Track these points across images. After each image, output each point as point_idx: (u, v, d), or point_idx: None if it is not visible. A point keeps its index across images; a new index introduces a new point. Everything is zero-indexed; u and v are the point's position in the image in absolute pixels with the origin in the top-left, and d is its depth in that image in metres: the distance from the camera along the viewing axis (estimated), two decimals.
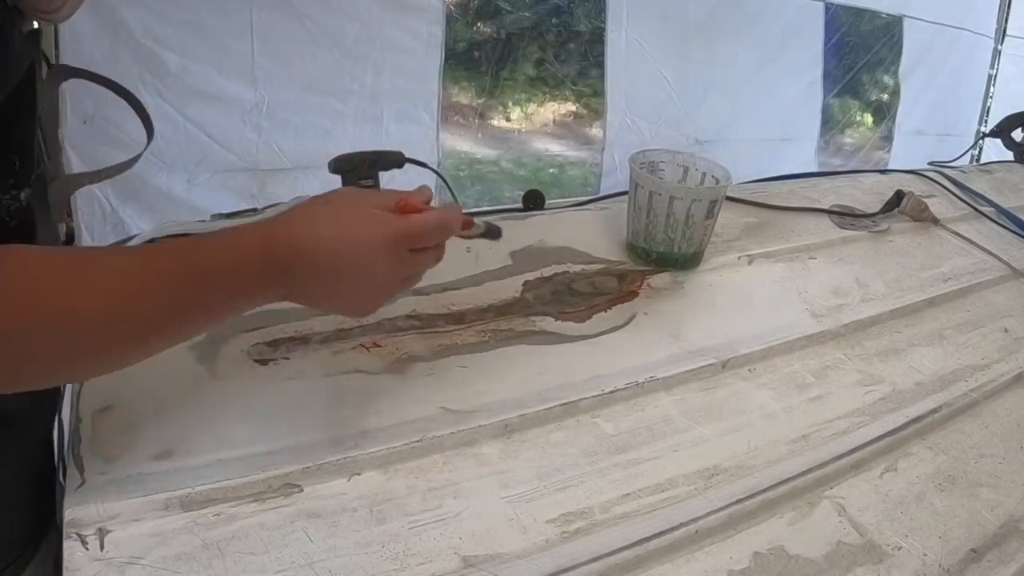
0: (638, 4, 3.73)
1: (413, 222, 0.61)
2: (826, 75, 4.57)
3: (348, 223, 0.59)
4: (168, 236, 0.97)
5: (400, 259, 0.61)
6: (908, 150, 4.88)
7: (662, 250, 1.06)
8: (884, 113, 5.11)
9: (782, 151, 4.35)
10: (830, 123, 4.80)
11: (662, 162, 1.13)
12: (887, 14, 4.76)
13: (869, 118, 5.17)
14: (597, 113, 3.96)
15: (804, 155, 4.59)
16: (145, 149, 0.88)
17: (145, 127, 0.86)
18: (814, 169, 4.46)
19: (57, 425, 0.72)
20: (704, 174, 1.11)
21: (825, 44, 4.46)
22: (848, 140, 5.09)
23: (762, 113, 4.24)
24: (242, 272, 0.55)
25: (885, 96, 5.07)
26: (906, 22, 4.77)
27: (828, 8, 4.39)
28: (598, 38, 3.79)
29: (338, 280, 0.59)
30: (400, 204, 0.62)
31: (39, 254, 0.49)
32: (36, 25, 0.62)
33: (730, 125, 4.10)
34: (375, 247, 0.59)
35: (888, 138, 5.12)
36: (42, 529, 0.67)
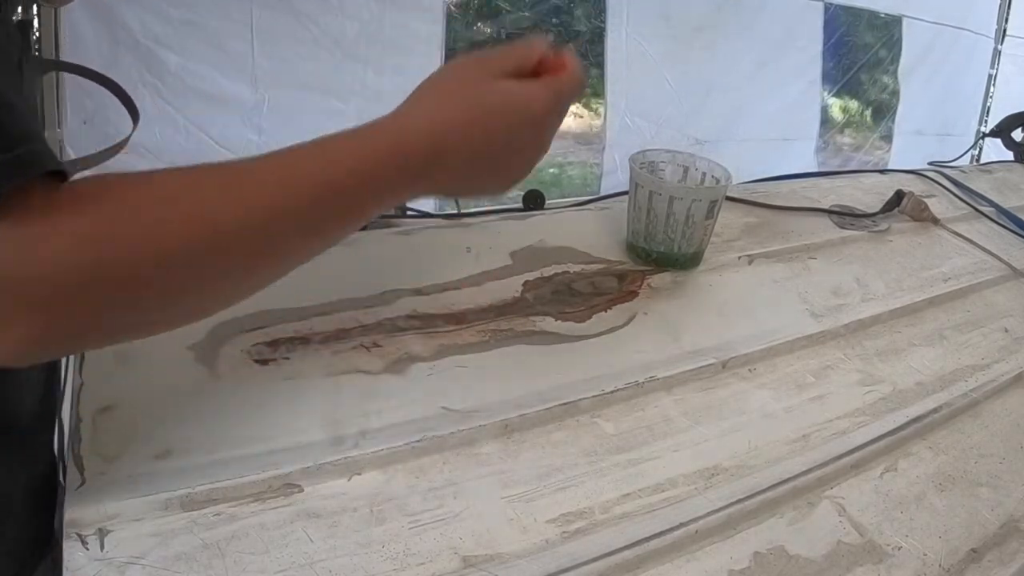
0: (638, 4, 3.73)
1: (569, 80, 0.58)
2: (825, 75, 4.58)
3: (488, 103, 0.55)
4: None
5: (556, 124, 0.58)
6: (908, 150, 4.88)
7: (662, 250, 1.06)
8: (884, 113, 5.12)
9: (782, 151, 4.36)
10: (829, 123, 4.80)
11: (662, 162, 1.13)
12: (886, 14, 4.76)
13: (869, 118, 5.17)
14: (597, 113, 3.96)
15: (804, 155, 4.59)
16: (132, 132, 0.86)
17: (130, 112, 0.85)
18: (814, 169, 4.47)
19: (57, 425, 0.72)
20: (704, 174, 1.11)
21: (824, 44, 4.47)
22: (848, 140, 5.09)
23: (762, 113, 4.24)
24: (380, 179, 0.53)
25: (885, 96, 5.07)
26: (905, 22, 4.77)
27: (828, 8, 4.39)
28: (598, 38, 3.79)
29: (493, 166, 0.56)
30: (537, 68, 0.58)
31: (178, 174, 0.47)
32: (35, 11, 0.62)
33: (730, 125, 4.10)
34: (533, 117, 0.56)
35: (888, 138, 5.13)
36: (46, 539, 0.67)
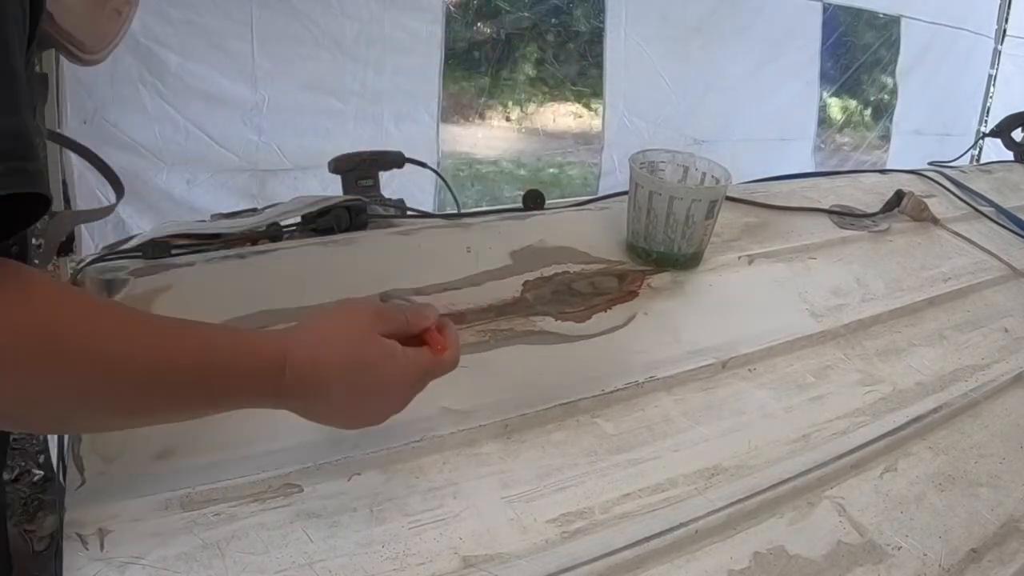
0: (637, 4, 3.73)
1: (433, 360, 0.63)
2: (823, 75, 4.57)
3: (368, 354, 0.58)
4: (168, 236, 0.97)
5: (419, 389, 0.63)
6: (906, 150, 4.88)
7: (662, 250, 1.06)
8: (882, 113, 5.12)
9: (779, 151, 4.35)
10: (827, 123, 4.80)
11: (662, 162, 1.13)
12: (885, 14, 4.76)
13: (867, 118, 5.17)
14: (596, 113, 3.96)
15: (801, 155, 4.59)
16: (116, 204, 0.89)
17: (113, 187, 0.88)
18: (811, 169, 4.47)
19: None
20: (704, 174, 1.11)
21: (823, 44, 4.46)
22: (845, 140, 5.09)
23: (760, 113, 4.24)
24: (255, 383, 0.55)
25: (883, 96, 5.07)
26: (904, 22, 4.77)
27: (826, 8, 4.39)
28: (597, 38, 3.79)
29: (352, 405, 0.59)
30: (423, 338, 0.64)
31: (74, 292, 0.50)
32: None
33: (728, 125, 4.10)
34: (401, 383, 0.61)
35: (886, 138, 5.13)
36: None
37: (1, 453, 0.68)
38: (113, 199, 0.95)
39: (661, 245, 1.06)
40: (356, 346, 0.58)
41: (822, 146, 4.77)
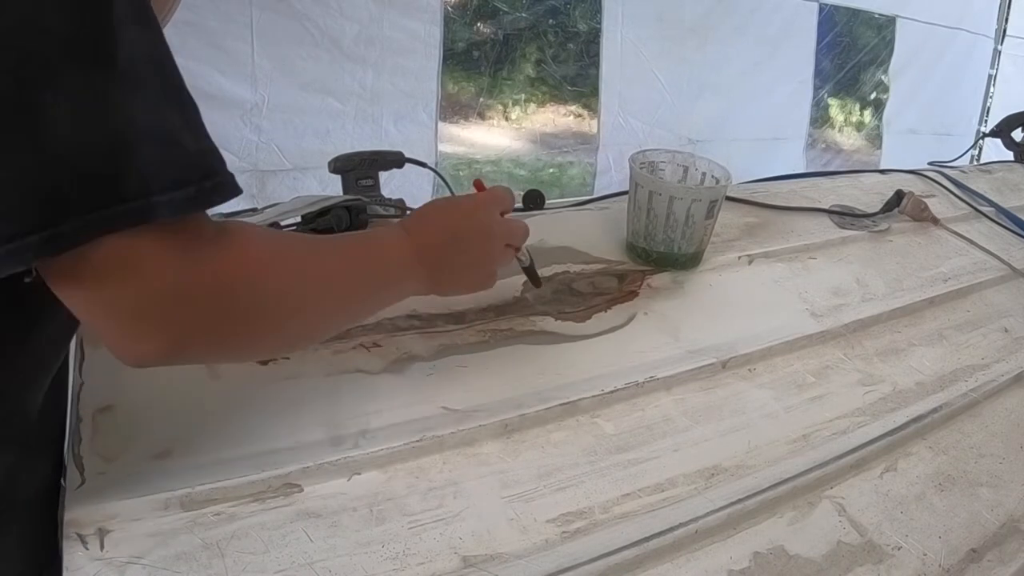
0: (634, 5, 3.74)
1: (493, 191, 0.79)
2: (817, 74, 4.59)
3: (455, 199, 0.77)
4: None
5: (494, 215, 0.76)
6: (901, 149, 4.88)
7: (662, 250, 1.06)
8: (875, 112, 5.13)
9: (772, 150, 4.37)
10: (819, 122, 4.81)
11: (662, 162, 1.13)
12: (881, 14, 4.77)
13: (860, 117, 5.18)
14: (594, 112, 3.97)
15: (793, 154, 4.60)
16: None
17: None
18: (802, 167, 4.48)
19: (63, 436, 0.72)
20: (704, 174, 1.11)
21: (818, 44, 4.48)
22: (837, 139, 5.10)
23: (754, 113, 4.26)
24: (402, 266, 0.69)
25: (876, 95, 5.08)
26: (899, 22, 4.78)
27: (822, 8, 4.40)
28: (594, 39, 3.80)
29: (456, 239, 0.72)
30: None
31: (264, 234, 0.62)
32: None
33: (722, 125, 4.11)
34: (475, 202, 0.75)
35: (879, 137, 5.13)
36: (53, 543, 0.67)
37: (57, 456, 0.68)
38: None
39: (661, 245, 1.06)
40: (444, 207, 0.75)
41: (813, 144, 4.78)
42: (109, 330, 0.49)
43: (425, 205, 0.75)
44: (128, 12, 0.45)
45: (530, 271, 0.89)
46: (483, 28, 3.75)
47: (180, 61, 0.49)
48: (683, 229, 1.03)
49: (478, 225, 0.74)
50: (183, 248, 0.48)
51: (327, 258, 0.62)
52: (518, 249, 0.81)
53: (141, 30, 0.47)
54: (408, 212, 1.22)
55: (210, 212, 0.50)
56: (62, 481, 0.66)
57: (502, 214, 0.77)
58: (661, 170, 1.13)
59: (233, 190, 0.50)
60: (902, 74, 4.95)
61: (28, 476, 0.63)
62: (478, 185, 0.81)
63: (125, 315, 0.48)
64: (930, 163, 1.73)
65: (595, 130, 3.97)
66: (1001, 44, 5.26)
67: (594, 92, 3.91)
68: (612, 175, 3.87)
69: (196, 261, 0.49)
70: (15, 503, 0.62)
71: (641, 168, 1.08)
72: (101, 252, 0.45)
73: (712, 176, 1.10)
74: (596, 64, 3.83)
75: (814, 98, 4.64)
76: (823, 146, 4.92)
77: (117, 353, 0.50)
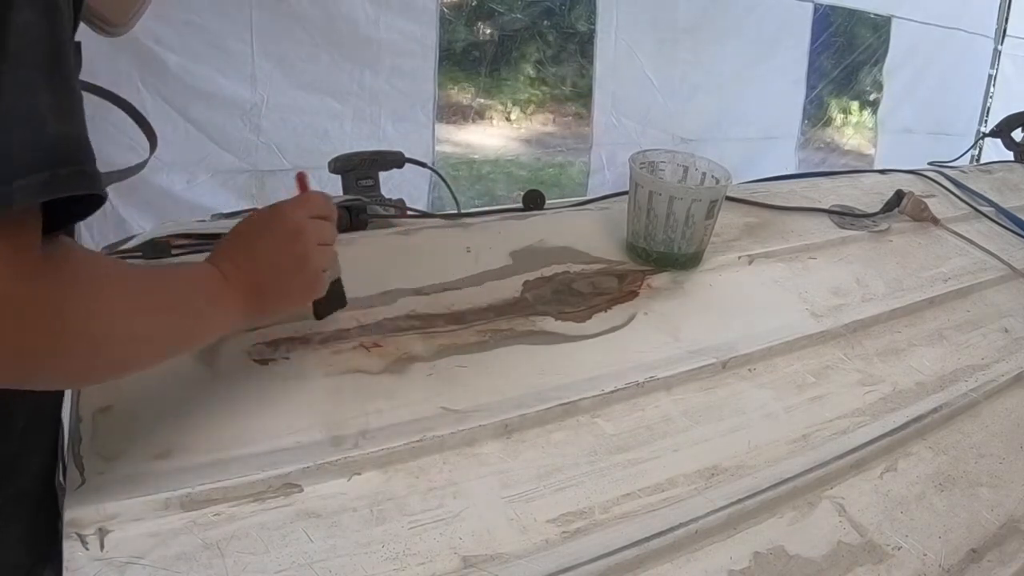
0: (628, 6, 3.75)
1: (298, 195, 0.74)
2: (811, 74, 4.59)
3: (253, 214, 0.72)
4: (168, 236, 0.97)
5: (298, 217, 0.70)
6: (896, 148, 4.88)
7: (662, 250, 1.06)
8: (869, 111, 5.13)
9: (765, 149, 4.38)
10: (812, 121, 4.82)
11: (662, 162, 1.13)
12: (876, 14, 4.77)
13: (853, 116, 5.19)
14: (589, 111, 3.98)
15: (785, 153, 4.61)
16: (150, 156, 0.90)
17: (148, 136, 0.89)
18: (795, 166, 4.49)
19: (58, 426, 0.72)
20: (704, 174, 1.11)
21: (812, 44, 4.48)
22: (832, 138, 5.11)
23: (746, 112, 4.26)
24: (213, 290, 0.64)
25: (871, 95, 5.08)
26: (895, 22, 4.78)
27: (817, 9, 4.41)
28: (588, 40, 3.82)
29: (264, 251, 0.68)
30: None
31: (91, 259, 0.56)
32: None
33: (715, 124, 4.12)
34: (273, 211, 0.71)
35: (873, 136, 5.14)
36: (48, 540, 0.67)
37: (52, 445, 0.68)
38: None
39: (661, 245, 1.06)
40: (242, 227, 0.70)
41: (807, 144, 4.79)
42: None
43: (229, 232, 0.70)
44: None
45: (335, 287, 0.80)
46: (479, 29, 3.76)
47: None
48: (683, 229, 1.03)
49: (283, 229, 0.69)
50: (17, 252, 0.45)
51: (145, 289, 0.58)
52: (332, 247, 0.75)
53: (35, 15, 0.45)
54: (409, 212, 1.22)
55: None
56: (61, 480, 0.66)
57: (315, 216, 0.72)
58: (661, 170, 1.13)
59: (92, 181, 0.47)
60: (897, 73, 4.95)
61: (26, 465, 0.63)
62: (300, 179, 0.76)
63: None
64: (930, 163, 1.73)
65: (589, 130, 3.98)
66: (1001, 44, 5.26)
67: (588, 92, 3.91)
68: (605, 174, 3.88)
69: (25, 273, 0.45)
70: (14, 492, 0.62)
71: (641, 168, 1.08)
72: None
73: (712, 176, 1.10)
74: (591, 65, 3.84)
75: (807, 97, 4.65)
76: (817, 145, 4.93)
77: None
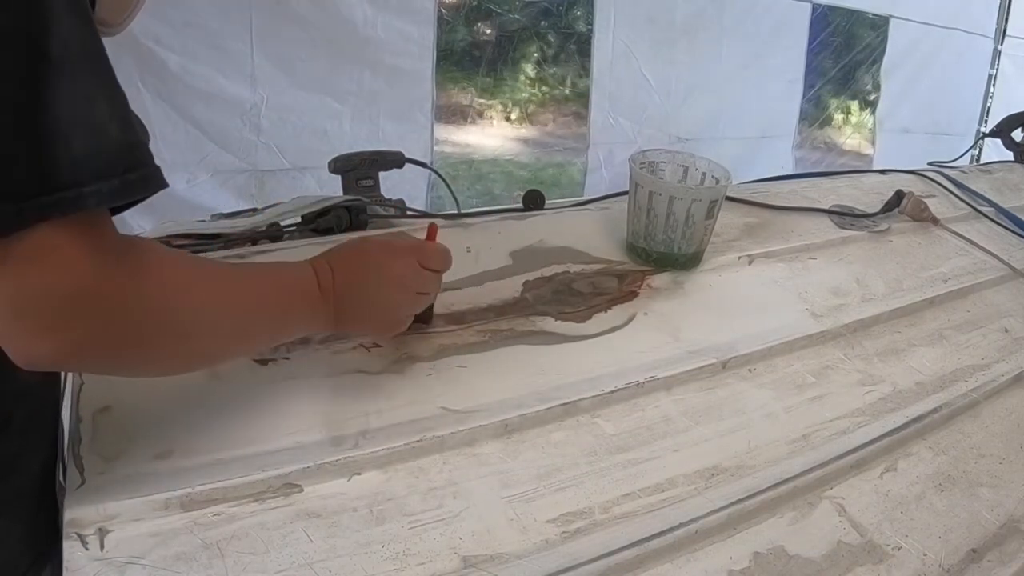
0: (625, 7, 3.76)
1: (424, 241, 0.77)
2: (808, 74, 4.59)
3: (373, 242, 0.75)
4: (168, 236, 0.97)
5: (411, 266, 0.73)
6: (894, 148, 4.88)
7: (662, 250, 1.06)
8: (867, 111, 5.13)
9: (762, 149, 4.38)
10: (808, 120, 4.82)
11: (662, 162, 1.13)
12: (874, 14, 4.77)
13: (851, 116, 5.19)
14: (587, 109, 3.99)
15: (782, 152, 4.61)
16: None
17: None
18: (792, 166, 4.49)
19: (58, 425, 0.72)
20: (704, 174, 1.11)
21: (809, 44, 4.48)
22: (829, 138, 5.11)
23: (743, 112, 4.27)
24: (305, 293, 0.68)
25: (868, 94, 5.09)
26: (893, 22, 4.78)
27: (815, 8, 4.41)
28: (585, 40, 3.82)
29: (365, 283, 0.71)
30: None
31: (174, 254, 0.62)
32: None
33: (712, 124, 4.13)
34: (392, 250, 0.73)
35: (871, 136, 5.14)
36: (49, 539, 0.67)
37: (52, 441, 0.69)
38: None
39: (661, 245, 1.06)
40: (359, 248, 0.73)
41: (803, 144, 4.79)
42: (5, 323, 0.48)
43: (344, 245, 0.73)
44: (64, 5, 0.46)
45: (427, 309, 0.85)
46: (477, 29, 3.77)
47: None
48: (683, 229, 1.03)
49: (389, 275, 0.72)
50: (96, 249, 0.48)
51: (231, 285, 0.62)
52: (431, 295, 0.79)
53: (76, 23, 0.47)
54: (409, 212, 1.22)
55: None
56: (61, 480, 0.66)
57: (431, 269, 0.75)
58: (661, 170, 1.13)
59: (158, 183, 0.51)
60: (895, 73, 4.95)
61: (26, 465, 0.63)
62: (431, 230, 0.80)
63: (30, 310, 0.47)
64: (930, 163, 1.73)
65: (586, 130, 3.98)
66: (1001, 44, 5.26)
67: (587, 92, 3.92)
68: (602, 173, 3.89)
69: (107, 266, 0.49)
70: (13, 492, 0.62)
71: (641, 168, 1.08)
72: (24, 242, 0.45)
73: (712, 176, 1.10)
74: (588, 65, 3.85)
75: (804, 97, 4.65)
76: (814, 145, 4.93)
77: (11, 349, 0.49)
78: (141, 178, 0.49)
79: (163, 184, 0.51)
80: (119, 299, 0.50)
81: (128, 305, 0.51)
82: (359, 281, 0.70)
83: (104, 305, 0.49)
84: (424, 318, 0.85)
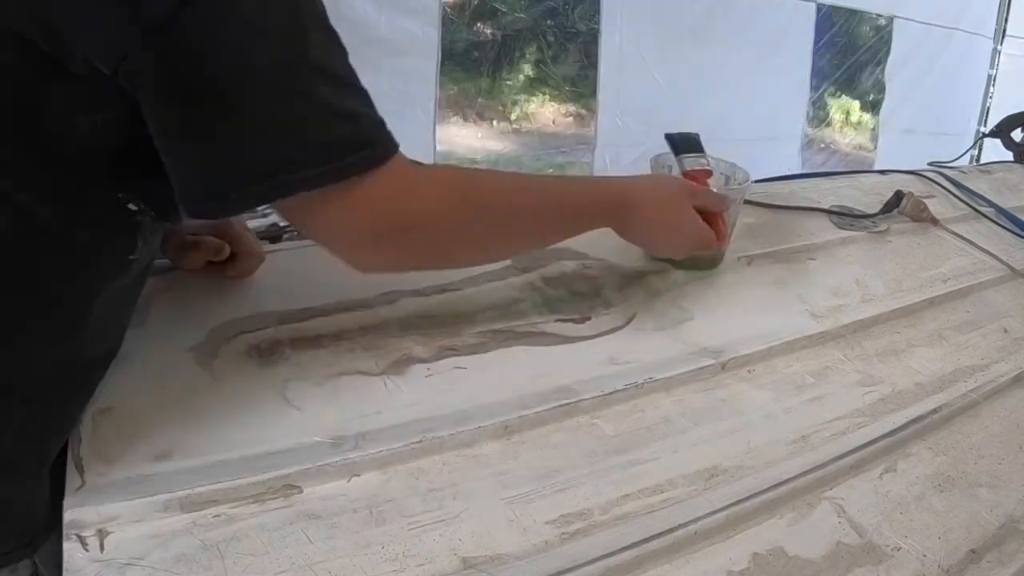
0: (632, 6, 3.75)
1: (700, 187, 0.98)
2: (814, 75, 4.59)
3: (659, 183, 0.98)
4: None
5: (690, 209, 0.92)
6: (898, 148, 4.89)
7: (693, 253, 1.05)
8: (871, 112, 5.14)
9: (768, 150, 4.37)
10: (815, 122, 4.82)
11: (671, 165, 1.13)
12: (878, 15, 4.77)
13: (855, 117, 5.19)
14: (592, 111, 3.98)
15: (789, 154, 4.61)
16: None
17: None
18: (799, 167, 4.49)
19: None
20: (727, 176, 1.11)
21: (815, 44, 4.48)
22: (834, 138, 5.11)
23: (750, 113, 4.26)
24: (603, 205, 0.88)
25: (872, 95, 5.09)
26: (896, 22, 4.78)
27: (820, 9, 4.41)
28: (593, 39, 3.81)
29: (652, 217, 0.90)
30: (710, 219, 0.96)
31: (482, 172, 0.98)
32: None
33: (719, 125, 4.11)
34: (676, 191, 0.93)
35: (875, 136, 5.14)
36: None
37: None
38: None
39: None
40: (666, 196, 0.93)
41: (810, 145, 4.79)
42: (350, 249, 0.69)
43: (646, 177, 0.97)
44: (313, 22, 0.61)
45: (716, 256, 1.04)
46: (481, 29, 3.76)
47: None
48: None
49: (674, 220, 0.91)
50: (408, 177, 0.68)
51: (519, 193, 0.80)
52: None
53: (326, 37, 0.62)
54: None
55: None
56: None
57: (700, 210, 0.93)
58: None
59: (395, 143, 0.66)
60: (899, 74, 4.95)
61: (26, 465, 0.63)
62: (715, 222, 0.96)
63: (357, 237, 0.68)
64: (930, 163, 1.73)
65: (593, 130, 3.97)
66: (1001, 44, 5.26)
67: (592, 93, 3.91)
68: (608, 174, 3.88)
69: (408, 191, 0.67)
70: (13, 492, 0.62)
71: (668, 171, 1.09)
72: (366, 184, 0.63)
73: (734, 177, 1.11)
74: (594, 65, 3.83)
75: (810, 98, 4.65)
76: (820, 146, 4.93)
77: (358, 266, 0.71)
78: (384, 144, 0.65)
79: (395, 145, 0.66)
80: (422, 213, 0.68)
81: (472, 198, 0.73)
82: (651, 216, 0.90)
83: (416, 221, 0.68)
84: (713, 263, 1.04)
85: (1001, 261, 1.31)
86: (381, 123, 0.65)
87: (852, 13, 4.64)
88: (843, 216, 1.34)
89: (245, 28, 0.55)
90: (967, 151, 2.18)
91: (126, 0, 0.51)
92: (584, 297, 0.99)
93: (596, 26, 3.76)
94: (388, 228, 0.67)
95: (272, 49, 0.57)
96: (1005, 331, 1.12)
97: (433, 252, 0.75)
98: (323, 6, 0.62)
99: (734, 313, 1.02)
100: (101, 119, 0.57)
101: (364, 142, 0.63)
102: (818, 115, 4.85)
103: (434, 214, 0.69)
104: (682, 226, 0.92)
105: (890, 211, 1.37)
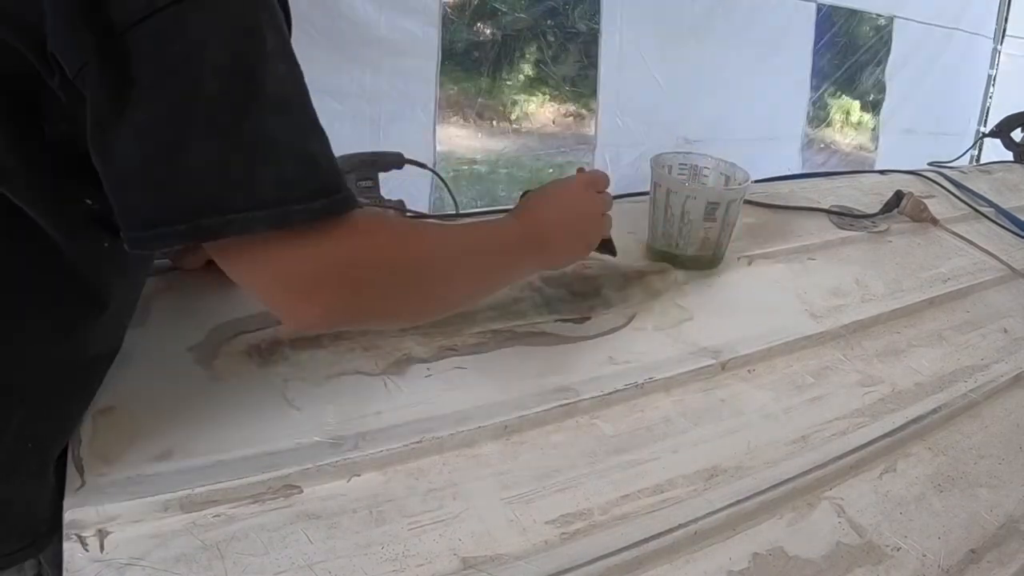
0: (632, 6, 3.74)
1: (583, 174, 0.91)
2: (814, 75, 4.59)
3: (553, 189, 0.88)
4: None
5: (590, 194, 0.87)
6: (898, 148, 4.88)
7: (689, 253, 1.06)
8: (871, 112, 5.14)
9: (768, 150, 4.37)
10: (816, 121, 4.82)
11: (680, 164, 1.13)
12: (878, 15, 4.77)
13: (856, 117, 5.19)
14: (592, 111, 3.98)
15: (790, 154, 4.61)
16: None
17: None
18: (799, 167, 4.49)
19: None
20: (727, 176, 1.12)
21: (815, 44, 4.48)
22: (834, 139, 5.11)
23: (750, 113, 4.25)
24: (516, 243, 0.79)
25: (872, 95, 5.09)
26: (896, 22, 4.78)
27: (820, 8, 4.41)
28: (593, 39, 3.81)
29: (560, 219, 0.83)
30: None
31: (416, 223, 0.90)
32: None
33: (719, 125, 4.11)
34: (571, 187, 0.87)
35: (876, 136, 5.14)
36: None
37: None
38: None
39: (691, 247, 1.06)
40: (546, 194, 0.87)
41: (810, 145, 4.78)
42: (283, 299, 0.59)
43: (531, 197, 0.86)
44: (278, 49, 0.56)
45: (608, 240, 0.94)
46: (481, 29, 3.76)
47: None
48: (720, 231, 1.05)
49: (583, 211, 0.86)
50: (353, 228, 0.59)
51: (455, 240, 0.72)
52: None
53: (288, 67, 0.57)
54: (408, 213, 1.22)
55: None
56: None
57: (599, 191, 0.88)
58: (704, 176, 1.13)
59: (354, 200, 0.60)
60: (899, 74, 4.95)
61: (26, 465, 0.63)
62: (580, 172, 0.92)
63: (296, 285, 0.58)
64: (929, 163, 1.73)
65: (592, 130, 3.97)
66: (1001, 44, 5.26)
67: (592, 93, 3.90)
68: (608, 175, 3.87)
69: (348, 245, 0.60)
70: (13, 492, 0.62)
71: (679, 173, 1.09)
72: (305, 231, 0.56)
73: (734, 176, 1.11)
74: (595, 65, 3.83)
75: (810, 98, 4.65)
76: (820, 146, 4.93)
77: (288, 319, 0.61)
78: (341, 199, 0.58)
79: (355, 201, 0.60)
80: (362, 266, 0.61)
81: (370, 268, 0.62)
82: (555, 219, 0.83)
83: (354, 272, 0.60)
84: (611, 250, 0.95)
85: (1001, 261, 1.31)
86: (340, 171, 0.61)
87: (852, 13, 4.63)
88: (843, 216, 1.34)
89: (195, 54, 0.51)
90: (967, 151, 2.18)
91: (88, 4, 0.49)
92: (584, 297, 0.99)
93: (596, 26, 3.75)
94: (336, 278, 0.60)
95: (222, 81, 0.52)
96: (1005, 331, 1.12)
97: (380, 303, 0.66)
98: (288, 38, 0.60)
99: (734, 313, 1.02)
100: (82, 126, 0.55)
101: (321, 189, 0.57)
102: (818, 115, 4.85)
103: (382, 262, 0.63)
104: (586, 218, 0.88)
105: (890, 211, 1.37)
